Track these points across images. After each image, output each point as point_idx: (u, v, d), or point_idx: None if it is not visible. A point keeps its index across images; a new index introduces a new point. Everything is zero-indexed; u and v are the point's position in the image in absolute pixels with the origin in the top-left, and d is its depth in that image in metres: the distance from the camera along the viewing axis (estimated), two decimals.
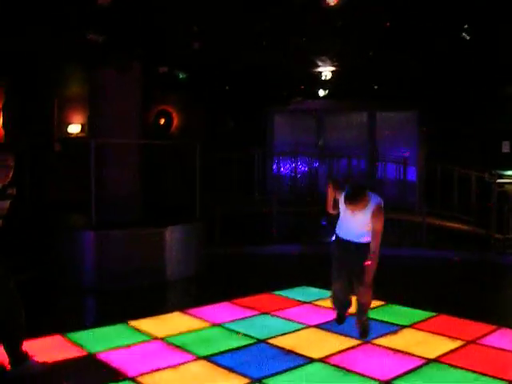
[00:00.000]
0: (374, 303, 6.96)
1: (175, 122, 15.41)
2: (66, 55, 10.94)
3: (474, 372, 4.81)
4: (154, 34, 8.84)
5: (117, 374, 4.74)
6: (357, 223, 5.31)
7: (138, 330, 5.97)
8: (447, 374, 4.81)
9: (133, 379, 4.64)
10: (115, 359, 5.08)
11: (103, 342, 5.57)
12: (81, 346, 5.43)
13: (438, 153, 14.51)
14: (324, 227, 10.82)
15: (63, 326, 6.05)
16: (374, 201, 5.26)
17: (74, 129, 13.23)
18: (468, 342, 5.60)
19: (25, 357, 4.64)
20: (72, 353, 5.26)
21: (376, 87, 14.20)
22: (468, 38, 9.36)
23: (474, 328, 6.08)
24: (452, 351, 5.34)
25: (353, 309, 5.88)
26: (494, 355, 5.29)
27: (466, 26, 9.25)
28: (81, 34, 8.10)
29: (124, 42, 8.37)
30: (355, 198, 5.16)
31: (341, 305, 5.86)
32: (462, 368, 4.90)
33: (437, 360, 5.10)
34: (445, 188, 12.75)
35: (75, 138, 13.09)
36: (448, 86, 13.45)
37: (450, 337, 5.75)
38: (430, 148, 15.37)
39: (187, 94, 14.62)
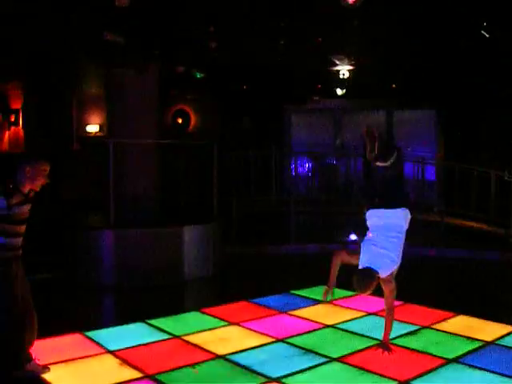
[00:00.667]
0: None
1: (193, 121, 15.47)
2: (85, 56, 11.03)
3: (493, 372, 4.78)
4: (171, 35, 8.88)
5: (135, 372, 4.78)
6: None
7: (157, 329, 6.00)
8: (466, 374, 4.78)
9: (151, 377, 4.67)
10: (134, 357, 5.12)
11: (122, 340, 5.61)
12: (100, 345, 5.47)
13: (456, 151, 14.42)
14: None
15: (82, 324, 6.11)
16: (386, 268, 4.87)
17: (93, 128, 13.33)
18: (487, 343, 5.56)
19: (29, 358, 4.66)
20: (91, 351, 5.31)
21: (394, 86, 14.14)
22: (487, 35, 9.27)
23: (493, 328, 6.03)
24: (471, 352, 5.31)
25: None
26: None
27: (485, 24, 9.16)
28: (99, 35, 8.16)
29: (142, 42, 8.42)
30: (360, 286, 4.78)
31: None
32: (481, 369, 4.87)
33: (456, 360, 5.07)
34: (463, 187, 12.66)
35: (93, 138, 13.19)
36: (466, 84, 13.36)
37: (468, 337, 5.71)
38: (448, 147, 15.28)
39: (205, 93, 14.66)
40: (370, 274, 4.74)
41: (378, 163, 5.07)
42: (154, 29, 8.37)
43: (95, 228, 8.62)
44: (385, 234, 4.92)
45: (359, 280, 4.74)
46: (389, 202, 5.02)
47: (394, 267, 4.91)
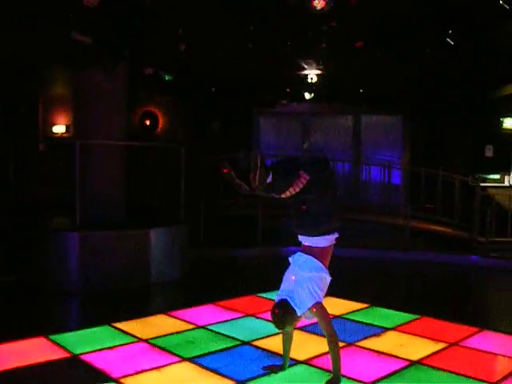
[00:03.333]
0: (358, 306, 7.03)
1: (161, 123, 15.39)
2: (52, 56, 10.90)
3: (457, 374, 4.85)
4: (139, 36, 8.83)
5: (100, 376, 4.73)
6: None
7: (122, 332, 5.95)
8: (430, 375, 4.85)
9: (116, 380, 4.63)
10: (99, 361, 5.07)
11: (87, 343, 5.54)
12: (64, 348, 5.40)
13: (422, 156, 14.64)
14: None
15: (47, 327, 6.02)
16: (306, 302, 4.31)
17: (59, 129, 13.16)
18: (450, 344, 5.65)
19: None
20: (55, 355, 5.24)
21: (361, 91, 14.28)
22: (452, 43, 9.43)
23: (457, 330, 6.14)
24: (435, 353, 5.39)
25: None
26: (476, 357, 5.34)
27: (450, 32, 9.31)
28: (66, 35, 8.07)
29: (110, 43, 8.35)
30: (276, 322, 4.36)
31: None
32: (444, 370, 4.94)
33: (420, 362, 5.14)
34: (429, 191, 12.85)
35: (60, 139, 13.03)
36: (433, 90, 13.57)
37: (432, 339, 5.79)
38: (414, 152, 15.49)
39: (173, 95, 14.61)
40: (287, 310, 4.30)
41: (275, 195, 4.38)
42: (123, 30, 8.31)
43: (60, 230, 8.51)
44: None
45: (275, 317, 4.33)
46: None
47: (310, 304, 4.33)
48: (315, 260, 4.39)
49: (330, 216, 4.43)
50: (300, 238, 4.53)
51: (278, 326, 4.39)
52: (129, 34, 8.42)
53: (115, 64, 8.57)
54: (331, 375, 4.50)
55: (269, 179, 4.26)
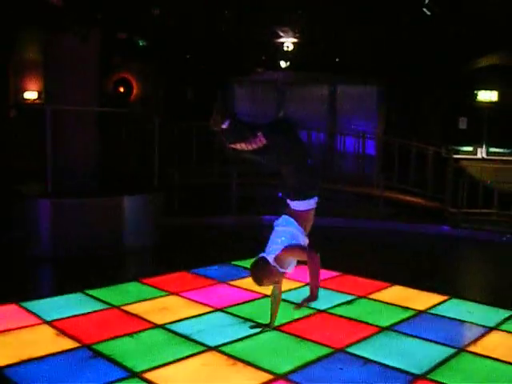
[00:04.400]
0: (330, 274, 7.10)
1: (135, 90, 15.19)
2: (23, 19, 10.63)
3: (425, 340, 4.96)
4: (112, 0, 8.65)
5: (73, 342, 4.73)
6: None
7: (95, 299, 5.95)
8: (398, 341, 4.94)
9: (89, 346, 4.64)
10: (71, 327, 5.07)
11: (59, 310, 5.53)
12: (36, 315, 5.38)
13: (397, 127, 14.69)
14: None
15: (19, 295, 5.98)
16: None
17: (31, 95, 12.92)
18: (419, 312, 5.76)
19: None
20: (28, 321, 5.22)
21: (338, 60, 14.23)
22: (429, 13, 9.41)
23: (426, 298, 6.25)
24: (404, 320, 5.49)
25: None
26: (444, 324, 5.45)
27: (427, 1, 9.28)
28: None
29: (82, 6, 8.16)
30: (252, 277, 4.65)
31: None
32: (412, 336, 5.05)
33: (389, 328, 5.23)
34: (402, 162, 12.94)
35: (31, 105, 12.79)
36: (409, 61, 13.57)
37: (402, 307, 5.90)
38: (389, 122, 15.55)
39: (148, 62, 14.41)
40: (257, 264, 4.60)
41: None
42: None
43: (31, 197, 8.40)
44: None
45: (252, 274, 4.63)
46: None
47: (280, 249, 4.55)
48: (291, 219, 4.63)
49: (310, 182, 4.69)
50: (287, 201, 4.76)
51: (255, 281, 4.61)
52: None
53: (87, 28, 8.39)
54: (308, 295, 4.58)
55: (225, 125, 4.45)
